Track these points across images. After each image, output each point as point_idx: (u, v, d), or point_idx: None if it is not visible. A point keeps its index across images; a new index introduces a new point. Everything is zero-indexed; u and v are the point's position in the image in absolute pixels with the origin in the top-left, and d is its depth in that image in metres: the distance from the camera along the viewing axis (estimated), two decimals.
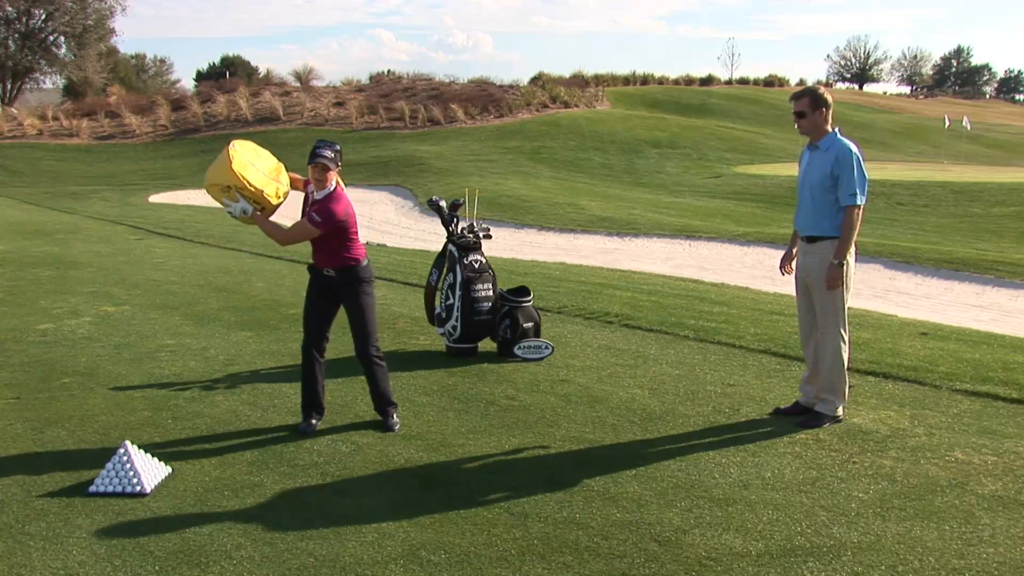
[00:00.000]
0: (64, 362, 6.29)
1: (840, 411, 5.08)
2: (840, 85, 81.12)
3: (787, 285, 11.70)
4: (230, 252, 12.50)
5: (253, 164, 4.84)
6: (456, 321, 6.48)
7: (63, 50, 49.21)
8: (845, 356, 5.02)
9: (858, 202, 4.87)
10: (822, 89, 5.07)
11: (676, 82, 52.20)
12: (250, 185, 4.74)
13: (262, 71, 55.27)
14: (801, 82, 64.04)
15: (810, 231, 5.06)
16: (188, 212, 19.75)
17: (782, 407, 5.30)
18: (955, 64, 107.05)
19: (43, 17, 47.68)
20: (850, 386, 5.20)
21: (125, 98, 40.38)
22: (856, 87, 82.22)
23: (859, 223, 4.95)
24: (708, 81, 53.56)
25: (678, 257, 14.58)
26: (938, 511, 3.90)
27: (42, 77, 50.70)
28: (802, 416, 5.10)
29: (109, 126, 36.17)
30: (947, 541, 3.63)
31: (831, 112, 5.02)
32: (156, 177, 28.76)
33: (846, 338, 5.02)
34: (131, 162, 31.57)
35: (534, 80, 42.43)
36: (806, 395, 5.24)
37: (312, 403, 4.98)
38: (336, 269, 4.89)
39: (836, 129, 5.02)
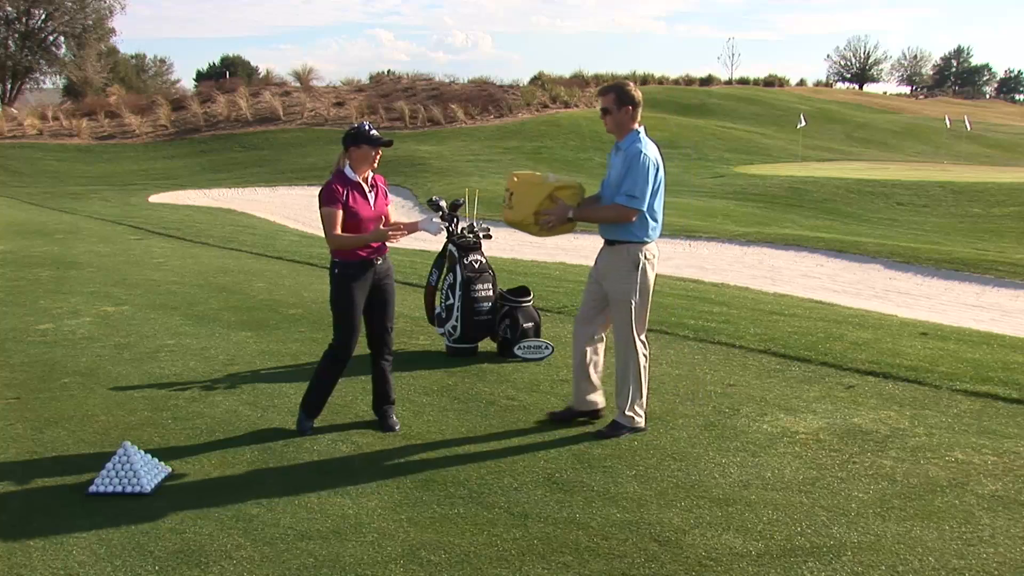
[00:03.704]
0: (64, 362, 6.29)
1: (640, 422, 4.85)
2: (840, 85, 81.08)
3: (788, 285, 11.75)
4: (230, 252, 12.50)
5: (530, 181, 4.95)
6: (456, 321, 6.48)
7: (63, 50, 49.25)
8: (643, 365, 4.81)
9: (634, 206, 4.59)
10: (631, 86, 4.77)
11: (676, 82, 52.18)
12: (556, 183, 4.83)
13: (262, 71, 55.27)
14: (802, 82, 64.11)
15: (609, 235, 4.79)
16: (188, 212, 19.76)
17: (555, 411, 5.08)
18: (955, 64, 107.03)
19: (43, 17, 47.73)
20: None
21: (125, 98, 40.36)
22: (856, 87, 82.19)
23: (622, 221, 4.67)
24: (708, 81, 53.54)
25: (678, 257, 14.58)
26: (938, 511, 3.90)
27: (42, 77, 50.79)
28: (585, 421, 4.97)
29: (109, 126, 36.15)
30: (947, 541, 3.62)
31: (639, 111, 4.75)
32: (156, 177, 28.76)
33: (641, 349, 4.81)
34: (131, 162, 31.56)
35: (534, 80, 42.44)
36: (578, 398, 5.03)
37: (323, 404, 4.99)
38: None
39: (641, 128, 4.77)
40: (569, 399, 5.18)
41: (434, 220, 5.04)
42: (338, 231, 4.71)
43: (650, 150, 4.68)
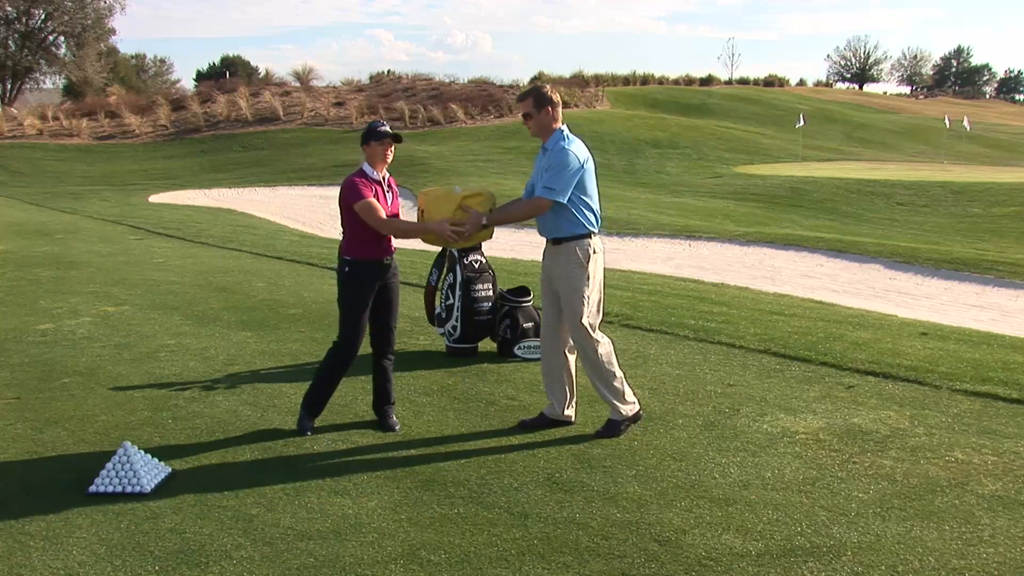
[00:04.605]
0: (64, 362, 6.29)
1: (629, 410, 4.86)
2: (840, 85, 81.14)
3: (788, 285, 11.75)
4: (230, 252, 12.50)
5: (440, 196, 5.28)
6: (456, 321, 6.48)
7: (63, 50, 49.27)
8: (603, 354, 4.77)
9: (551, 198, 4.62)
10: (547, 88, 4.80)
11: (676, 82, 52.23)
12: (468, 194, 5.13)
13: (262, 71, 55.32)
14: (801, 82, 64.17)
15: (552, 234, 4.81)
16: (188, 212, 19.75)
17: (526, 419, 5.03)
18: (955, 64, 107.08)
19: (43, 17, 47.73)
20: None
21: (125, 98, 40.38)
22: (856, 87, 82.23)
23: (537, 214, 4.75)
24: (708, 81, 53.58)
25: (678, 257, 14.58)
26: (938, 511, 3.90)
27: (42, 77, 50.79)
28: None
29: (109, 126, 36.16)
30: (947, 541, 3.63)
31: (559, 110, 4.76)
32: (156, 177, 28.75)
33: (599, 338, 4.79)
34: (131, 162, 31.56)
35: (534, 80, 42.45)
36: (551, 407, 5.02)
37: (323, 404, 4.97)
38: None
39: (564, 127, 4.78)
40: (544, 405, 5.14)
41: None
42: (383, 215, 4.69)
43: (575, 147, 4.72)
